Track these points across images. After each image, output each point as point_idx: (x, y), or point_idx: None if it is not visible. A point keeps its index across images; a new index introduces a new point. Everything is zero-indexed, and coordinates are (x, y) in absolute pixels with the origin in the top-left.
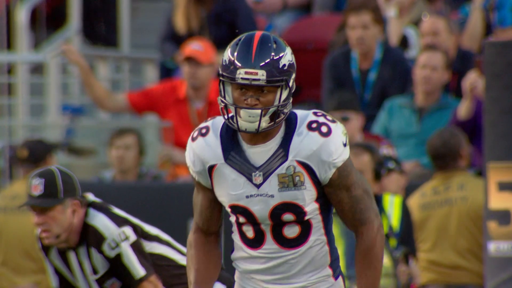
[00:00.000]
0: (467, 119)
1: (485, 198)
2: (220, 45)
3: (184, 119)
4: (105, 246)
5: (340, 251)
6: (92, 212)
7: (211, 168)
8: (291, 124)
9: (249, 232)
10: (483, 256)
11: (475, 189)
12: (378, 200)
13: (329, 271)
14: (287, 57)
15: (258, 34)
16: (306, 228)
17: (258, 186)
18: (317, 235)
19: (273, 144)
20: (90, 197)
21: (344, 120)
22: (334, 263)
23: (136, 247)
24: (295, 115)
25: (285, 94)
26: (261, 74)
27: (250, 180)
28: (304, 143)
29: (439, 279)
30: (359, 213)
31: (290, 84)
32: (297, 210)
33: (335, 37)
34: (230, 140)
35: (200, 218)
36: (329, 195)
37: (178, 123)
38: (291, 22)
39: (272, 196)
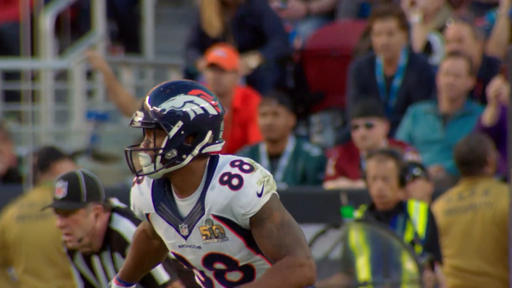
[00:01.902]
0: (492, 125)
1: (510, 204)
2: (244, 50)
3: None
4: None
5: (365, 258)
6: (116, 217)
7: (147, 215)
8: (209, 175)
9: (199, 276)
10: (509, 262)
11: (500, 194)
12: (403, 206)
13: None
14: (172, 103)
15: (169, 81)
16: (248, 272)
17: (185, 237)
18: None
19: (195, 197)
20: (115, 202)
21: (368, 126)
22: None
23: None
24: (216, 164)
25: (162, 139)
26: (139, 116)
27: (178, 231)
28: (216, 197)
29: (464, 285)
30: (284, 248)
31: (172, 131)
32: (226, 260)
33: (359, 44)
34: (162, 190)
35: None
36: (254, 236)
37: None
38: (315, 28)
39: (199, 247)
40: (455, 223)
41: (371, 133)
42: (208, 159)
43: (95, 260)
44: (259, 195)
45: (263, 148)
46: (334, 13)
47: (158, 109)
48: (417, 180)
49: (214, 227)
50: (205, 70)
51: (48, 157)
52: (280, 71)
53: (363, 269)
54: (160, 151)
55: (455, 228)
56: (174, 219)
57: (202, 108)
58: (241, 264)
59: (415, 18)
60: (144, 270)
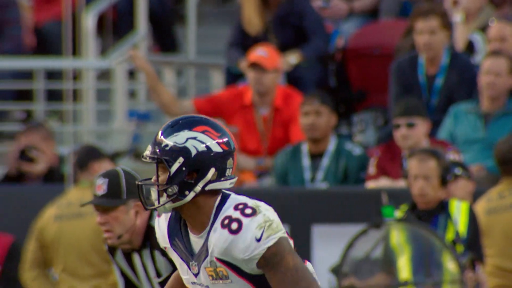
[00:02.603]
0: None
1: None
2: (285, 49)
3: (250, 125)
4: None
5: (406, 257)
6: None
7: (165, 248)
8: (216, 215)
9: None
10: None
11: None
12: (445, 206)
13: None
14: (175, 139)
15: (180, 116)
16: None
17: (195, 275)
18: None
19: (204, 236)
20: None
21: (410, 126)
22: None
23: None
24: (223, 205)
25: (164, 175)
26: (148, 149)
27: (189, 268)
28: (217, 240)
29: (506, 285)
30: None
31: (173, 167)
32: None
33: (401, 42)
34: (178, 225)
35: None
36: (268, 280)
37: (244, 128)
38: (357, 27)
39: (207, 286)
40: (496, 222)
41: (412, 132)
42: (219, 197)
43: (136, 258)
44: (258, 240)
45: (305, 148)
46: (377, 12)
47: (163, 144)
48: (458, 180)
49: (218, 269)
50: (246, 70)
51: (87, 157)
52: (322, 70)
53: (404, 269)
54: (161, 186)
55: (496, 227)
56: (186, 255)
57: (205, 145)
58: None
59: (457, 17)
60: None
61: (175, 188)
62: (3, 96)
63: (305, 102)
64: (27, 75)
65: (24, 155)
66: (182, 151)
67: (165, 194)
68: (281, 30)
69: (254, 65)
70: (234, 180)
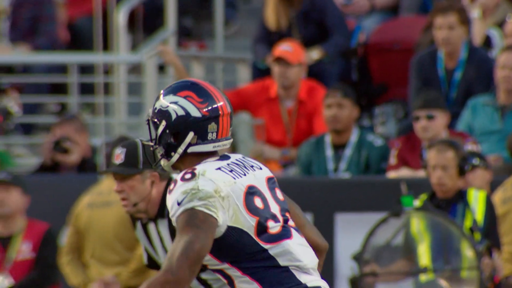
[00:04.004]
0: None
1: None
2: (309, 44)
3: (276, 118)
4: None
5: (426, 245)
6: None
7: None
8: None
9: None
10: None
11: None
12: (463, 195)
13: None
14: (161, 102)
15: (175, 82)
16: (229, 280)
17: None
18: (240, 279)
19: None
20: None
21: (429, 118)
22: None
23: None
24: None
25: (153, 133)
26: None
27: None
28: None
29: None
30: (167, 261)
31: (158, 129)
32: None
33: (421, 38)
34: None
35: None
36: None
37: (269, 121)
38: (378, 23)
39: None
40: (511, 211)
41: (432, 124)
42: (203, 161)
43: (151, 228)
44: (178, 203)
45: (328, 139)
46: (397, 8)
47: (154, 107)
48: (476, 169)
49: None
50: (272, 64)
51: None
52: (345, 65)
53: (424, 256)
54: (152, 146)
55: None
56: None
57: (184, 109)
58: (211, 267)
59: (475, 13)
60: None
61: (161, 149)
62: (38, 90)
63: (328, 95)
64: (61, 69)
65: (59, 146)
66: (164, 114)
67: (158, 155)
68: (304, 26)
69: (279, 60)
70: (219, 143)
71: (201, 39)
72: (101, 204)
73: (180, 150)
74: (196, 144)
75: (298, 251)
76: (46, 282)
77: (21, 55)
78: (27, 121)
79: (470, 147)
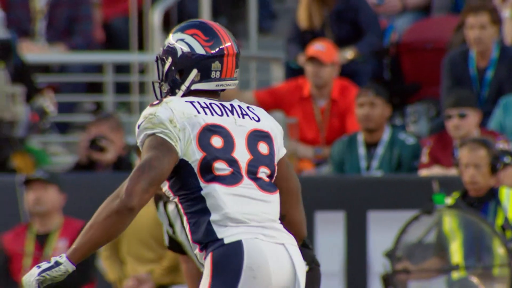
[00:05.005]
0: None
1: None
2: (341, 43)
3: (309, 116)
4: None
5: (458, 242)
6: None
7: None
8: None
9: None
10: None
11: None
12: (495, 193)
13: (195, 246)
14: (169, 40)
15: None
16: (181, 217)
17: None
18: (183, 219)
19: None
20: None
21: (461, 116)
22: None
23: None
24: None
25: (160, 70)
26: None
27: None
28: None
29: None
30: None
31: (165, 66)
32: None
33: (453, 37)
34: None
35: None
36: None
37: (302, 119)
38: (411, 23)
39: None
40: None
41: (464, 123)
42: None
43: (170, 206)
44: (138, 126)
45: (360, 138)
46: (429, 8)
47: (164, 44)
48: (507, 168)
49: None
50: (305, 64)
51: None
52: (377, 64)
53: (456, 253)
54: (156, 82)
55: None
56: None
57: (189, 46)
58: (171, 200)
59: (506, 13)
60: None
61: (167, 86)
62: (74, 89)
63: (360, 94)
64: (97, 68)
65: (95, 145)
66: (171, 51)
67: (164, 92)
68: (337, 25)
69: (312, 59)
70: (223, 82)
71: (235, 39)
72: None
73: (184, 87)
74: (200, 81)
75: (224, 199)
76: (82, 279)
77: (58, 54)
78: (63, 120)
79: (501, 145)
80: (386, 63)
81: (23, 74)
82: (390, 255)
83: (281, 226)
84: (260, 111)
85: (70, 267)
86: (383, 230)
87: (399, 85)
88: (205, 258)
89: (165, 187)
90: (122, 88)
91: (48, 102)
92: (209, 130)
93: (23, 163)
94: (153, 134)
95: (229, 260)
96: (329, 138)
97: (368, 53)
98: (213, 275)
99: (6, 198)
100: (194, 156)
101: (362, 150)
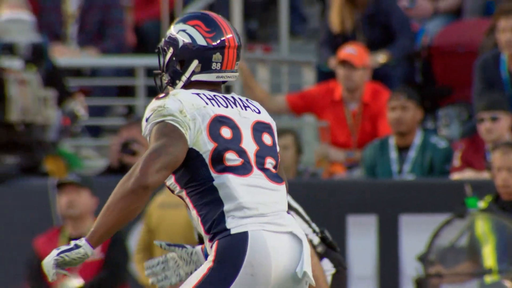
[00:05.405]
0: None
1: None
2: (374, 47)
3: (340, 120)
4: None
5: (491, 246)
6: None
7: None
8: None
9: None
10: None
11: None
12: None
13: (207, 237)
14: (171, 31)
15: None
16: (186, 205)
17: None
18: (192, 212)
19: None
20: None
21: (493, 120)
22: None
23: None
24: None
25: (161, 61)
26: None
27: None
28: None
29: None
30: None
31: (166, 56)
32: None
33: (484, 40)
34: None
35: None
36: None
37: (334, 123)
38: (442, 26)
39: None
40: None
41: (496, 126)
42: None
43: None
44: (146, 120)
45: (392, 141)
46: (461, 11)
47: (165, 35)
48: None
49: None
50: (336, 67)
51: None
52: (408, 67)
53: (489, 257)
54: (157, 73)
55: None
56: None
57: (191, 37)
58: (176, 194)
59: None
60: None
61: (167, 77)
62: (106, 92)
63: (392, 97)
64: (128, 72)
65: (126, 148)
66: (172, 42)
67: (164, 82)
68: (369, 29)
69: (344, 63)
70: (223, 74)
71: (266, 42)
72: (172, 204)
73: (184, 77)
74: (200, 72)
75: (237, 189)
76: (115, 282)
77: (89, 58)
78: (95, 124)
79: None
80: (417, 67)
81: (54, 78)
82: (423, 259)
83: (289, 216)
84: (258, 104)
85: (89, 250)
86: (415, 233)
87: (430, 89)
88: (211, 247)
89: (170, 181)
90: (154, 92)
91: (79, 106)
92: (219, 121)
93: (56, 166)
94: (163, 121)
95: (232, 252)
96: (361, 142)
97: (400, 56)
98: (214, 263)
99: (38, 201)
100: (206, 146)
101: (393, 154)
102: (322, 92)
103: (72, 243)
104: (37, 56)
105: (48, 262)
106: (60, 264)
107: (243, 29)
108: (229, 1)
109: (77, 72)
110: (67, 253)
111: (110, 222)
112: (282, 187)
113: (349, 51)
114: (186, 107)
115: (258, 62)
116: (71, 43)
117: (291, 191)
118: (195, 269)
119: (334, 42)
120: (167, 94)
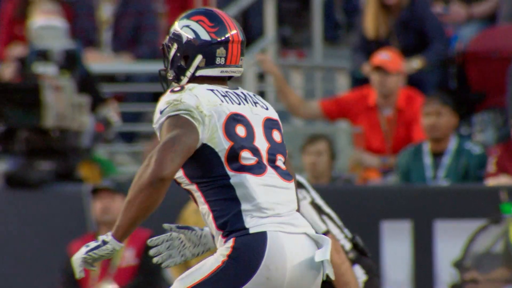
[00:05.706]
0: None
1: None
2: (408, 53)
3: (374, 126)
4: None
5: None
6: None
7: None
8: None
9: None
10: None
11: None
12: None
13: (219, 232)
14: (175, 27)
15: None
16: (194, 198)
17: None
18: (202, 206)
19: None
20: None
21: None
22: (221, 226)
23: (315, 206)
24: None
25: (166, 58)
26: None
27: None
28: None
29: None
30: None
31: (170, 53)
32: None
33: None
34: None
35: None
36: None
37: (368, 129)
38: (476, 32)
39: None
40: None
41: None
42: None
43: None
44: (161, 112)
45: (426, 147)
46: (495, 17)
47: (169, 32)
48: None
49: None
50: (371, 73)
51: None
52: (443, 73)
53: None
54: (163, 71)
55: None
56: None
57: (194, 32)
58: (184, 186)
59: None
60: None
61: (172, 73)
62: (140, 98)
63: (426, 103)
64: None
65: None
66: (176, 38)
67: (169, 79)
68: (403, 35)
69: (378, 69)
70: (228, 69)
71: (300, 48)
72: None
73: (189, 73)
74: (204, 67)
75: (256, 189)
76: (149, 287)
77: (123, 64)
78: (129, 130)
79: None
80: (452, 72)
81: (88, 84)
82: (459, 264)
83: (299, 215)
84: (263, 99)
85: (117, 245)
86: (450, 239)
87: (465, 94)
88: (225, 242)
89: (179, 174)
90: None
91: (112, 112)
92: (234, 119)
93: (90, 172)
94: (177, 114)
95: (250, 252)
96: (395, 147)
97: (434, 62)
98: (230, 258)
99: (73, 207)
100: (222, 145)
101: (428, 160)
102: (356, 98)
103: (100, 238)
104: (70, 62)
105: (77, 259)
106: (88, 262)
107: (276, 35)
108: (263, 8)
109: (111, 78)
110: (95, 251)
111: (133, 216)
112: (292, 185)
113: (383, 57)
114: (202, 103)
115: (292, 68)
116: (105, 49)
117: (325, 197)
118: (203, 252)
119: (368, 48)
120: (182, 88)
